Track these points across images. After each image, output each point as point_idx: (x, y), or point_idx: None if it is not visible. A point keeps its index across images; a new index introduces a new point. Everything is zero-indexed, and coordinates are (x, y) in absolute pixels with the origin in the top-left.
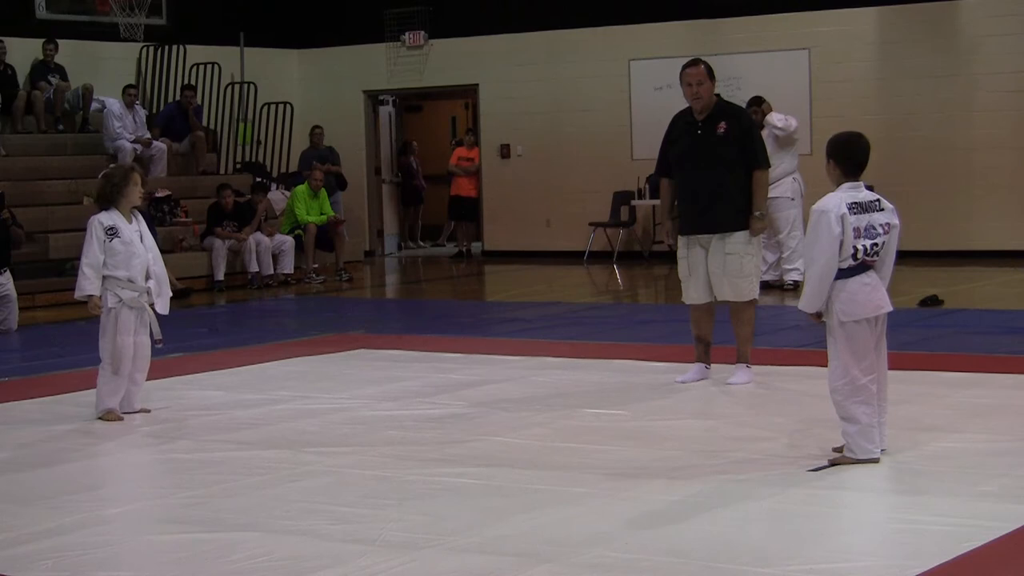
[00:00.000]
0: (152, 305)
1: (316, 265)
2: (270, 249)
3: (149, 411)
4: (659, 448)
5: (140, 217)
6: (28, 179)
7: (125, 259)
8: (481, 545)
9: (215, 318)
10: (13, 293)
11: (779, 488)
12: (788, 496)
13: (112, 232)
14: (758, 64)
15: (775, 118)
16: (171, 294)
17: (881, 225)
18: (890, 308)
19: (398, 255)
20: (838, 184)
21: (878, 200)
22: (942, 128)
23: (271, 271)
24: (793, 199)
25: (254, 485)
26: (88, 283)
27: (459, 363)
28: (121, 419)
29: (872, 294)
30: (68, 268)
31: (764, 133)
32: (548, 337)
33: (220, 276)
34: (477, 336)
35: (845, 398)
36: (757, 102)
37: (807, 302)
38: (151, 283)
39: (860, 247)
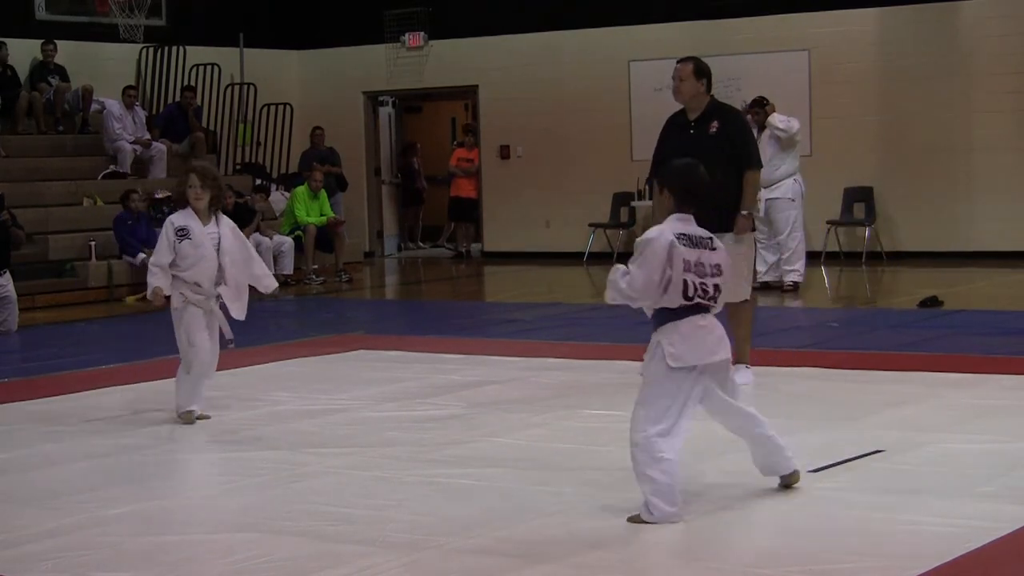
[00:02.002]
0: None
1: (316, 266)
2: (271, 250)
3: (208, 417)
4: None
5: (223, 219)
6: (28, 180)
7: (193, 262)
8: (481, 546)
9: None
10: (13, 294)
11: (778, 489)
12: (788, 497)
13: (183, 233)
14: (758, 65)
15: (777, 119)
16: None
17: (711, 266)
18: (726, 356)
19: (398, 256)
20: (668, 215)
21: (711, 239)
22: (941, 129)
23: (271, 271)
24: (794, 200)
25: (254, 486)
26: (154, 279)
27: (459, 364)
28: (193, 423)
29: (706, 337)
30: (68, 269)
31: (766, 134)
32: (548, 338)
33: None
34: (477, 337)
35: (644, 456)
36: (760, 103)
37: (608, 293)
38: (222, 288)
39: (691, 283)
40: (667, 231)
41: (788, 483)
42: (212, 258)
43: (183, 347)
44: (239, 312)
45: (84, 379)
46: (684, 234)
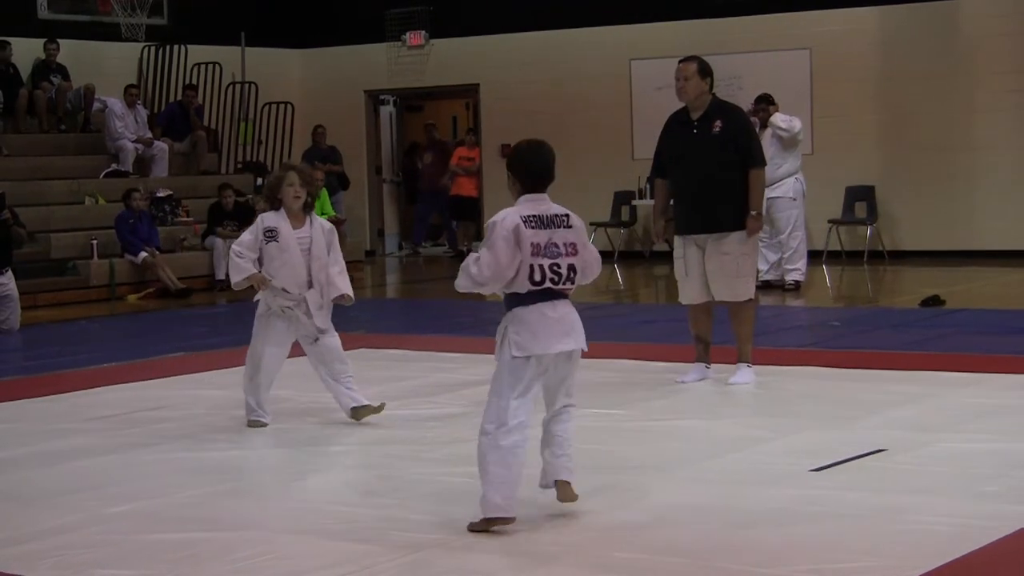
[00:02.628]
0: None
1: None
2: None
3: (264, 424)
4: (660, 448)
5: (316, 221)
6: (30, 179)
7: (279, 266)
8: (484, 545)
9: (216, 318)
10: (15, 293)
11: (781, 488)
12: (790, 496)
13: (271, 234)
14: (759, 63)
15: (779, 119)
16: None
17: (565, 245)
18: (577, 346)
19: (399, 255)
20: (517, 198)
21: (567, 216)
22: (943, 127)
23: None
24: (795, 199)
25: (255, 484)
26: (246, 263)
27: (460, 362)
28: (264, 425)
29: (554, 327)
30: (70, 267)
31: (768, 133)
32: None
33: (221, 275)
34: (478, 336)
35: (486, 451)
36: (766, 99)
37: (458, 281)
38: (309, 293)
39: (537, 267)
40: (513, 213)
41: (560, 485)
42: (299, 263)
43: (253, 352)
44: (322, 320)
45: (86, 378)
46: (533, 215)
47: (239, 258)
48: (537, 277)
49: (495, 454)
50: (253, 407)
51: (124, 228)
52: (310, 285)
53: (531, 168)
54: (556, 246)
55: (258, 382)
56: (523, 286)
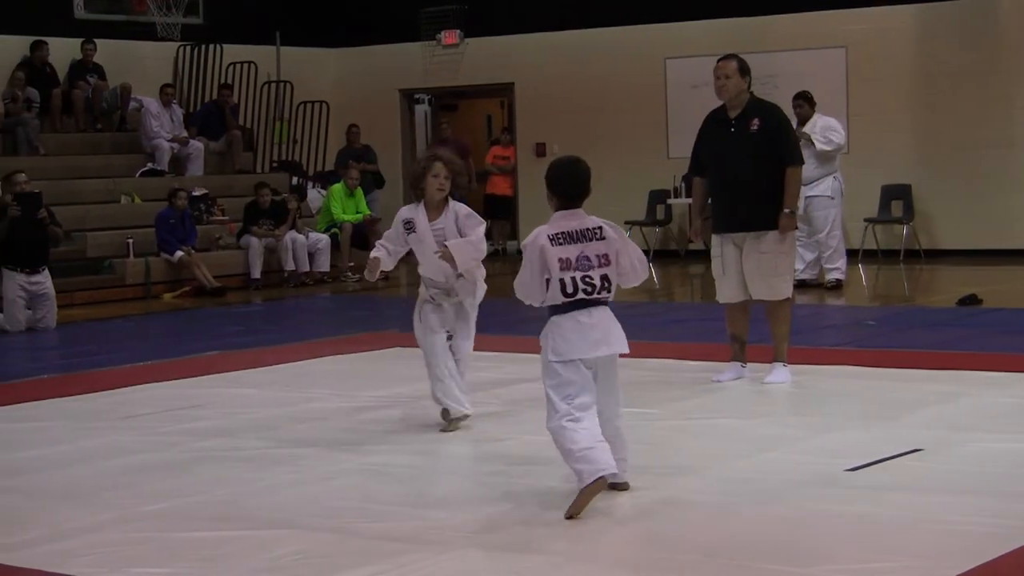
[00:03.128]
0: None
1: (352, 263)
2: (307, 247)
3: (464, 416)
4: (695, 447)
5: (451, 208)
6: (66, 178)
7: (420, 257)
8: (514, 544)
9: (251, 316)
10: (51, 291)
11: (816, 488)
12: (824, 495)
13: (408, 226)
14: (795, 62)
15: (816, 135)
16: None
17: (598, 257)
18: (612, 351)
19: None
20: (555, 212)
21: (599, 228)
22: (979, 125)
23: (308, 269)
24: (833, 198)
25: (289, 483)
26: (377, 251)
27: (493, 361)
28: (452, 426)
29: (589, 333)
30: (106, 266)
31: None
32: None
33: (256, 274)
34: (511, 335)
35: (560, 439)
36: (804, 97)
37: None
38: (459, 282)
39: (569, 280)
40: (542, 233)
41: (616, 487)
42: (434, 254)
43: (420, 344)
44: (470, 307)
45: (121, 376)
46: (562, 232)
47: (375, 249)
48: (569, 289)
49: (568, 434)
50: (440, 399)
51: (164, 227)
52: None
53: (565, 185)
54: (588, 259)
55: (435, 374)
56: (557, 298)
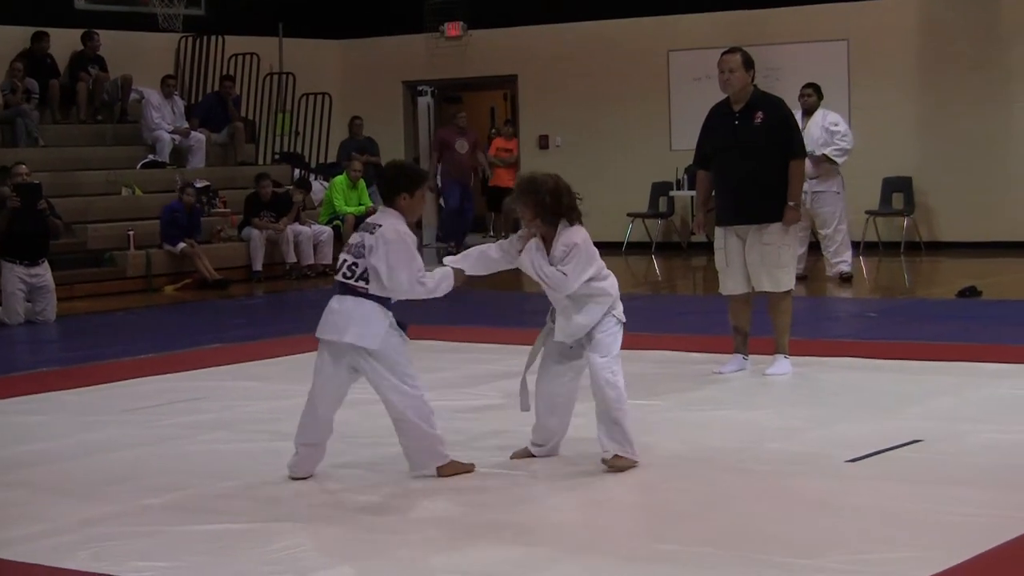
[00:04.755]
0: None
1: None
2: (311, 239)
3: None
4: (697, 439)
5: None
6: (67, 169)
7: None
8: (515, 536)
9: (253, 309)
10: (51, 284)
11: (817, 479)
12: (826, 487)
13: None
14: (797, 55)
15: (835, 156)
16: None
17: (369, 247)
18: (333, 337)
19: (436, 246)
20: None
21: (379, 225)
22: (981, 118)
23: (311, 261)
24: (839, 192)
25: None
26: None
27: (495, 354)
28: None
29: (326, 317)
30: (107, 259)
31: (813, 121)
32: None
33: (258, 266)
34: (514, 327)
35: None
36: (814, 87)
37: None
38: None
39: (342, 260)
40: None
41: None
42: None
43: None
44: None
45: (122, 369)
46: (367, 222)
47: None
48: (341, 269)
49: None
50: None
51: (169, 219)
52: None
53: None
54: (362, 247)
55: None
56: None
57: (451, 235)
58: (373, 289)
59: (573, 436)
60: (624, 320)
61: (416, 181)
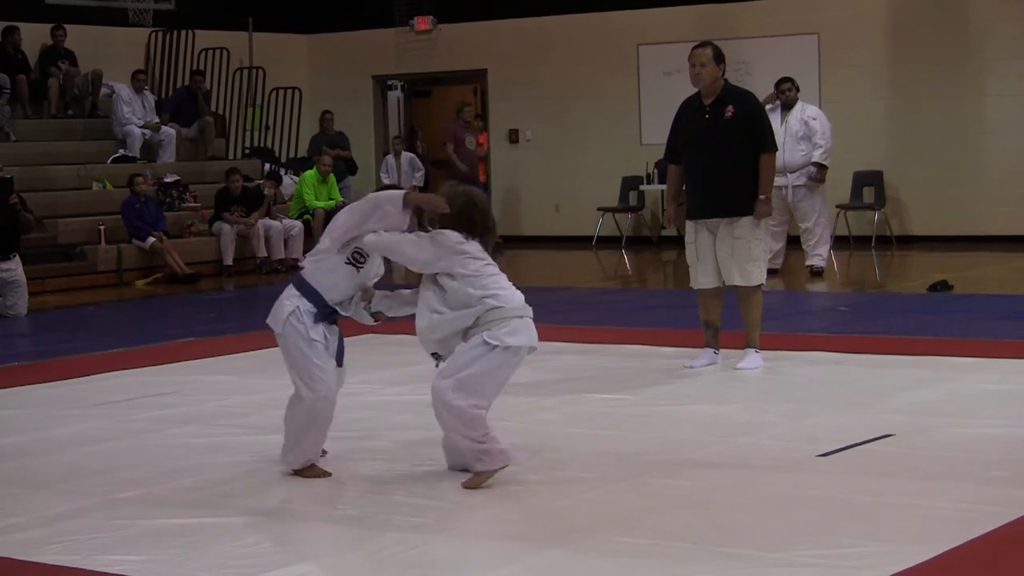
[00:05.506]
0: None
1: None
2: (281, 234)
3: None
4: (668, 433)
5: None
6: (38, 164)
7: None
8: (489, 531)
9: (224, 303)
10: (22, 278)
11: (788, 473)
12: (797, 481)
13: None
14: (767, 48)
15: (823, 159)
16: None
17: None
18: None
19: None
20: None
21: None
22: (951, 113)
23: (281, 255)
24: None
25: (263, 471)
26: None
27: None
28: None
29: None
30: (77, 253)
31: (792, 115)
32: (557, 323)
33: (229, 261)
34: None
35: None
36: (792, 81)
37: None
38: None
39: None
40: None
41: None
42: None
43: None
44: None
45: (93, 363)
46: None
47: None
48: None
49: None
50: None
51: (131, 213)
52: None
53: None
54: None
55: None
56: None
57: None
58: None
59: (530, 438)
60: (501, 345)
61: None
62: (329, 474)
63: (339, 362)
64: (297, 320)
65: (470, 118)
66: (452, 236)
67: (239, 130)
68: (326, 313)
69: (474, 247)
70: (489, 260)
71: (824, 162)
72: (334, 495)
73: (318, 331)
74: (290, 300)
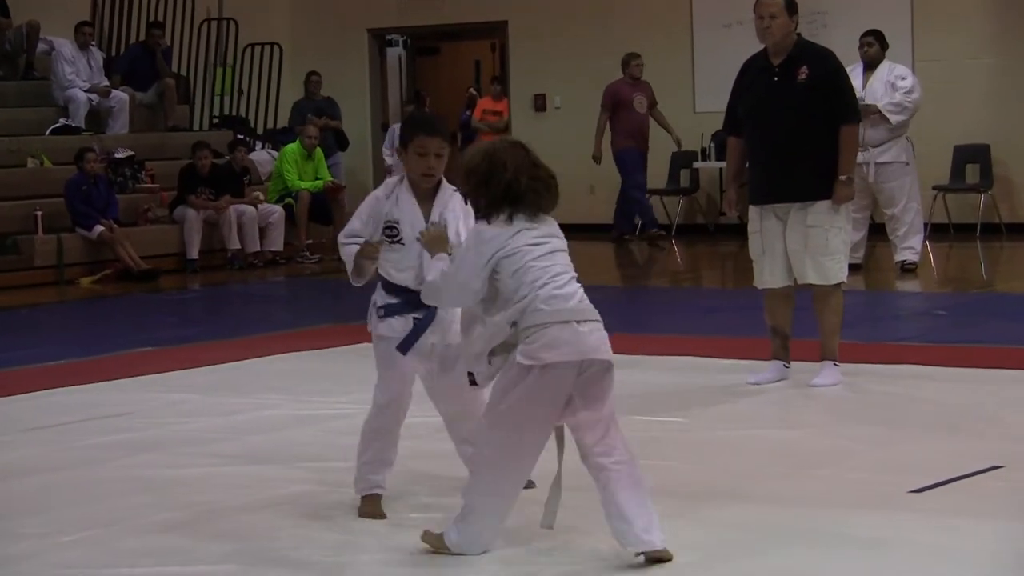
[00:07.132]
0: None
1: (311, 241)
2: (256, 221)
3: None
4: (728, 464)
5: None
6: None
7: None
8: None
9: (188, 305)
10: None
11: (875, 512)
12: (886, 522)
13: None
14: None
15: (891, 114)
16: None
17: None
18: None
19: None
20: None
21: None
22: None
23: (257, 247)
24: (907, 163)
25: (237, 508)
26: None
27: None
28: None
29: None
30: (9, 244)
31: (876, 76)
32: None
33: (194, 254)
34: None
35: None
36: (876, 35)
37: None
38: None
39: None
40: None
41: None
42: None
43: None
44: None
45: (31, 377)
46: None
47: None
48: None
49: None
50: None
51: (76, 196)
52: None
53: None
54: None
55: None
56: None
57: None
58: None
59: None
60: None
61: (407, 131)
62: (384, 516)
63: (401, 348)
64: (370, 316)
65: (638, 73)
66: (488, 234)
67: (206, 95)
68: (403, 302)
69: (520, 237)
70: (540, 240)
71: (886, 114)
72: (322, 537)
73: (388, 325)
74: (375, 292)
